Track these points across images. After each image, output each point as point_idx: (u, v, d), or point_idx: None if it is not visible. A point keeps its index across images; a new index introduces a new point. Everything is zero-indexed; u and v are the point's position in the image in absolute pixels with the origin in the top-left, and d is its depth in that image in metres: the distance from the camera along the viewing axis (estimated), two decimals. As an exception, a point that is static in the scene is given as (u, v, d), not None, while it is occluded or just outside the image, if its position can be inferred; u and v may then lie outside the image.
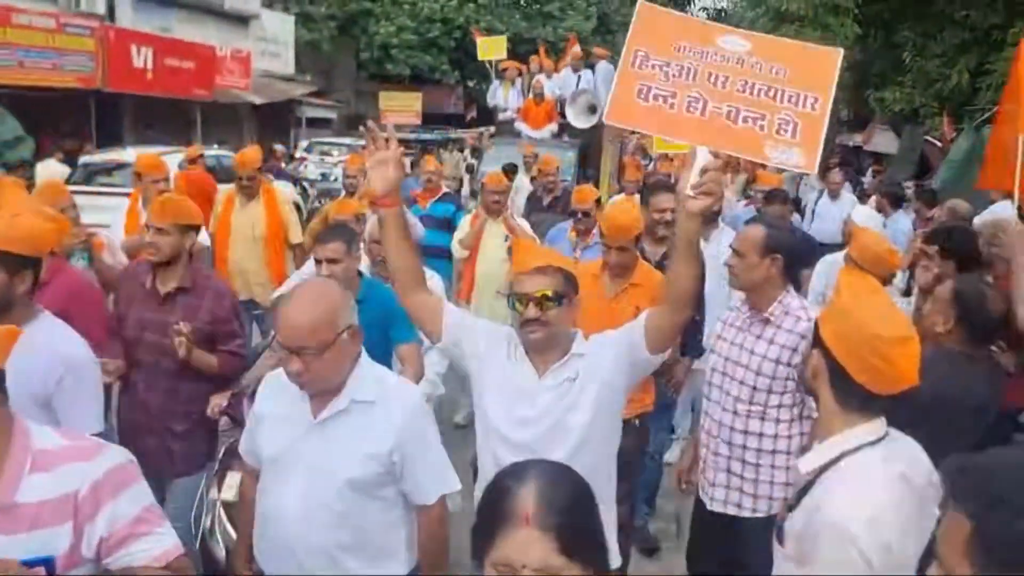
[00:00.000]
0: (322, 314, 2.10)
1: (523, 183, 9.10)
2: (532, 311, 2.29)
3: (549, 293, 2.30)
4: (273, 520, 2.22)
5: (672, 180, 6.52)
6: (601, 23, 33.27)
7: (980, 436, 2.62)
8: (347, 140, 21.43)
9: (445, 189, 7.26)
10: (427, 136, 19.19)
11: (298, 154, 20.99)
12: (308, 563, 2.16)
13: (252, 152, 6.23)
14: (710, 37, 2.52)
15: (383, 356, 3.40)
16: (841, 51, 2.51)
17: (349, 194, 6.68)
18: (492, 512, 1.23)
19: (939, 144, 13.10)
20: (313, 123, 26.79)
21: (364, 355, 2.27)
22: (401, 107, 22.15)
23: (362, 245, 4.04)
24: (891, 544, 1.62)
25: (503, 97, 13.00)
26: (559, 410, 2.35)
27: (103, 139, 16.37)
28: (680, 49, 2.49)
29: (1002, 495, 1.03)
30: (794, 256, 3.07)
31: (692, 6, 19.03)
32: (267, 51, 25.32)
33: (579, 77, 12.13)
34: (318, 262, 3.47)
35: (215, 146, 15.08)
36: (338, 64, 30.49)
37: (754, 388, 2.90)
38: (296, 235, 6.05)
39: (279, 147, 19.55)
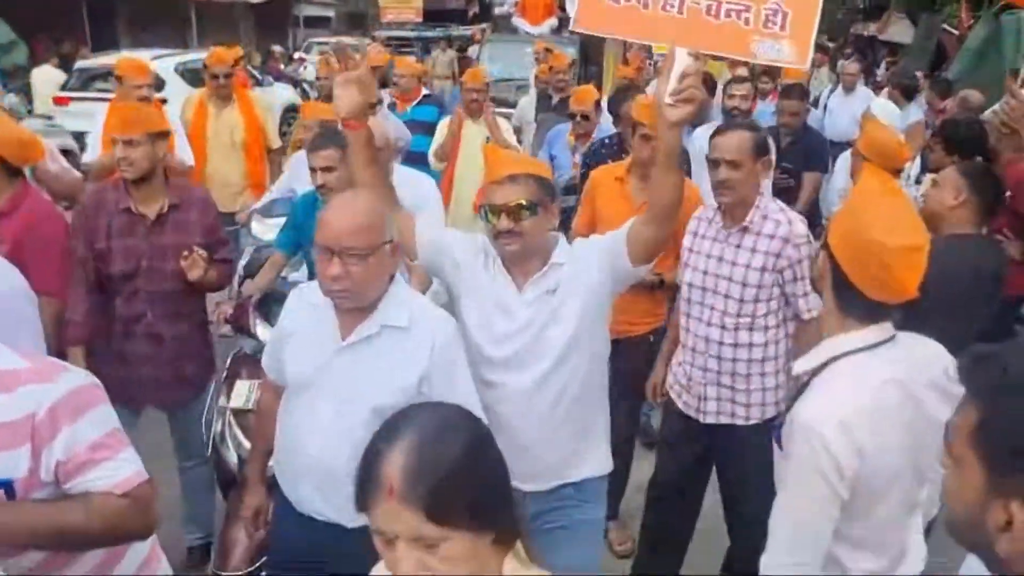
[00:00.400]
0: (370, 217, 2.03)
1: (530, 98, 8.19)
2: (505, 222, 2.19)
3: (523, 202, 2.19)
4: (295, 442, 2.18)
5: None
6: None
7: (990, 317, 2.66)
8: (347, 39, 20.94)
9: (426, 91, 6.73)
10: (428, 34, 18.66)
11: (297, 55, 20.54)
12: (327, 487, 2.09)
13: (225, 50, 5.78)
14: None
15: None
16: None
17: (325, 98, 6.24)
18: (364, 477, 1.15)
19: (956, 32, 12.70)
20: (311, 22, 26.14)
21: (399, 277, 2.18)
22: (401, 4, 21.47)
23: None
24: (864, 448, 1.63)
25: None
26: (539, 324, 2.27)
27: (98, 43, 16.01)
28: None
29: (1010, 382, 1.03)
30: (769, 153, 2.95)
31: None
32: (261, -54, 24.48)
33: None
34: (313, 170, 3.32)
35: (211, 48, 14.75)
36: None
37: (741, 300, 2.81)
38: (275, 140, 5.74)
39: (277, 48, 19.13)
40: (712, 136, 2.91)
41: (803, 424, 1.68)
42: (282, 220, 3.90)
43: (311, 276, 3.49)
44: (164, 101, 10.45)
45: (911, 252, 1.66)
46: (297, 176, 4.52)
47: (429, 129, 5.87)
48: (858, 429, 1.63)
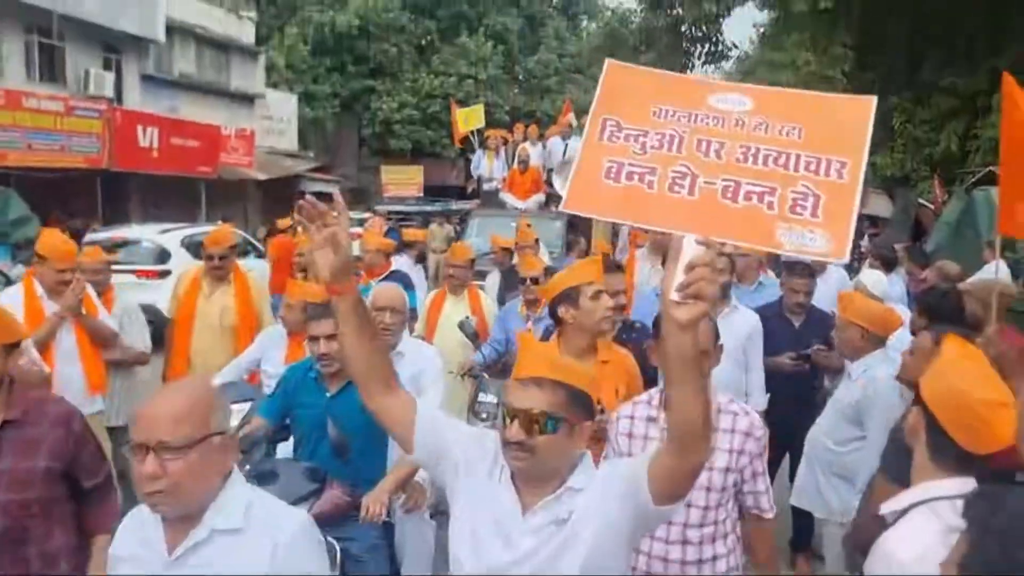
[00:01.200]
0: (191, 406, 1.76)
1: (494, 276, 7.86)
2: (517, 432, 1.84)
3: (543, 412, 1.84)
4: None
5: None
6: (598, 96, 33.97)
7: None
8: (350, 213, 21.72)
9: (393, 266, 6.39)
10: (427, 208, 19.43)
11: (300, 228, 21.23)
12: None
13: (224, 230, 5.51)
14: (699, 96, 2.06)
15: (377, 450, 3.21)
16: (874, 98, 2.02)
17: (302, 272, 6.11)
18: None
19: (932, 207, 13.26)
20: (316, 197, 27.19)
21: (237, 475, 1.89)
22: (402, 180, 22.47)
23: None
24: None
25: (487, 167, 12.52)
26: (541, 559, 1.86)
27: (110, 218, 16.63)
28: (660, 114, 2.04)
29: (1000, 526, 1.10)
30: None
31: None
32: (271, 129, 25.93)
33: (567, 145, 11.63)
34: (314, 339, 3.23)
35: (219, 222, 15.29)
36: (341, 140, 31.13)
37: (705, 508, 2.49)
38: (271, 323, 5.27)
39: (281, 221, 19.82)
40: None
41: (882, 552, 1.74)
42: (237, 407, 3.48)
43: (296, 450, 3.40)
44: (167, 273, 10.87)
45: (1001, 406, 1.80)
46: (268, 356, 4.39)
47: None
48: (933, 565, 1.67)
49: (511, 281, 6.75)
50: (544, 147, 12.28)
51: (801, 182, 1.89)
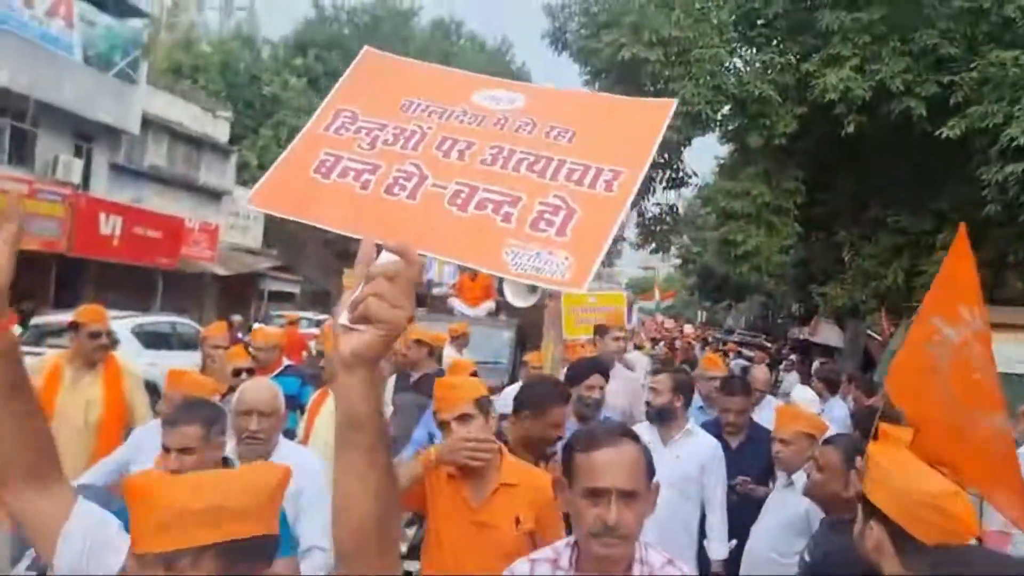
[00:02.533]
0: None
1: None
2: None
3: None
4: None
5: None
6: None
7: None
8: (308, 313, 21.61)
9: (287, 362, 5.96)
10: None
11: (256, 326, 21.05)
12: None
13: (95, 308, 4.69)
14: (463, 91, 1.78)
15: None
16: (673, 102, 1.89)
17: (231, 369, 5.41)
18: None
19: (879, 338, 13.60)
20: (276, 296, 27.08)
21: None
22: (364, 284, 22.60)
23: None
24: None
25: (436, 271, 12.37)
26: None
27: (62, 302, 16.34)
28: (410, 107, 1.77)
29: None
30: None
31: (646, 201, 20.07)
32: (237, 225, 26.02)
33: None
34: (166, 450, 2.68)
35: (175, 315, 15.11)
36: (306, 240, 31.25)
37: None
38: (143, 419, 4.53)
39: (236, 318, 19.62)
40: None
41: None
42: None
43: None
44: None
45: (958, 495, 1.80)
46: (142, 457, 3.62)
47: (290, 402, 4.51)
48: None
49: (400, 382, 6.12)
50: None
51: (555, 192, 1.58)
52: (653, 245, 22.16)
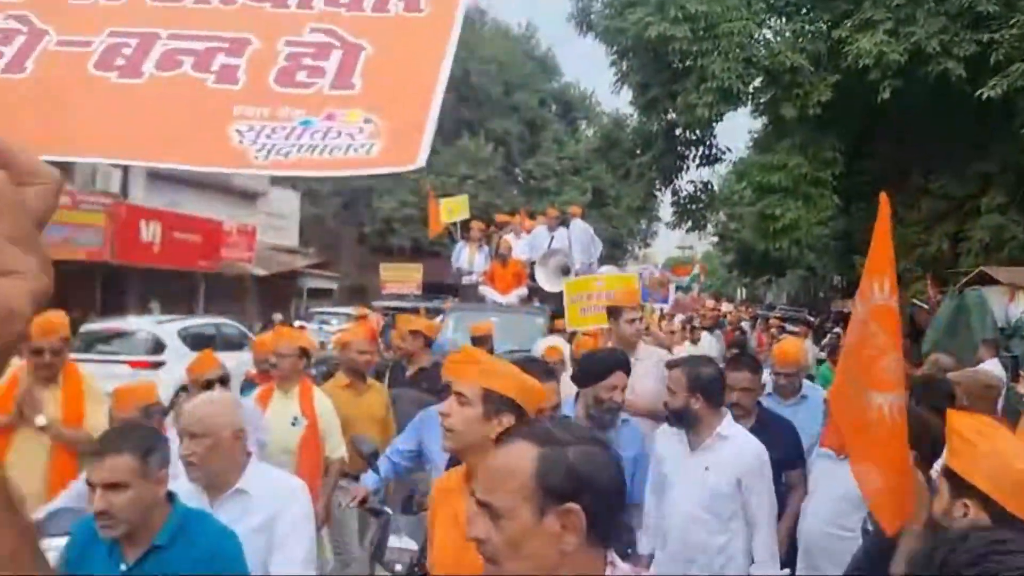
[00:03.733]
0: None
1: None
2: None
3: None
4: None
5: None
6: (596, 196, 34.67)
7: None
8: (347, 309, 21.81)
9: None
10: (424, 304, 19.54)
11: (297, 323, 21.30)
12: None
13: (55, 316, 4.00)
14: None
15: None
16: None
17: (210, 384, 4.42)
18: None
19: (926, 307, 13.34)
20: (315, 294, 27.37)
21: None
22: (401, 278, 22.63)
23: (175, 447, 2.58)
24: None
25: (467, 259, 11.59)
26: None
27: (108, 309, 16.68)
28: None
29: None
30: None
31: (680, 179, 19.86)
32: (273, 225, 26.31)
33: (552, 237, 10.85)
34: (91, 486, 2.23)
35: (219, 317, 15.33)
36: (341, 237, 31.55)
37: None
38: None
39: (277, 316, 19.89)
40: None
41: None
42: (61, 542, 2.45)
43: None
44: (161, 364, 10.82)
45: None
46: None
47: None
48: None
49: (396, 375, 5.86)
50: (529, 238, 11.50)
51: (312, 24, 1.00)
52: (689, 224, 21.99)
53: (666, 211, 23.09)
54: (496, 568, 1.38)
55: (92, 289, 17.55)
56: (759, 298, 44.11)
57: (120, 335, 11.95)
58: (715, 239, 36.36)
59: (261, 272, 23.42)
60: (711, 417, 3.33)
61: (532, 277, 10.36)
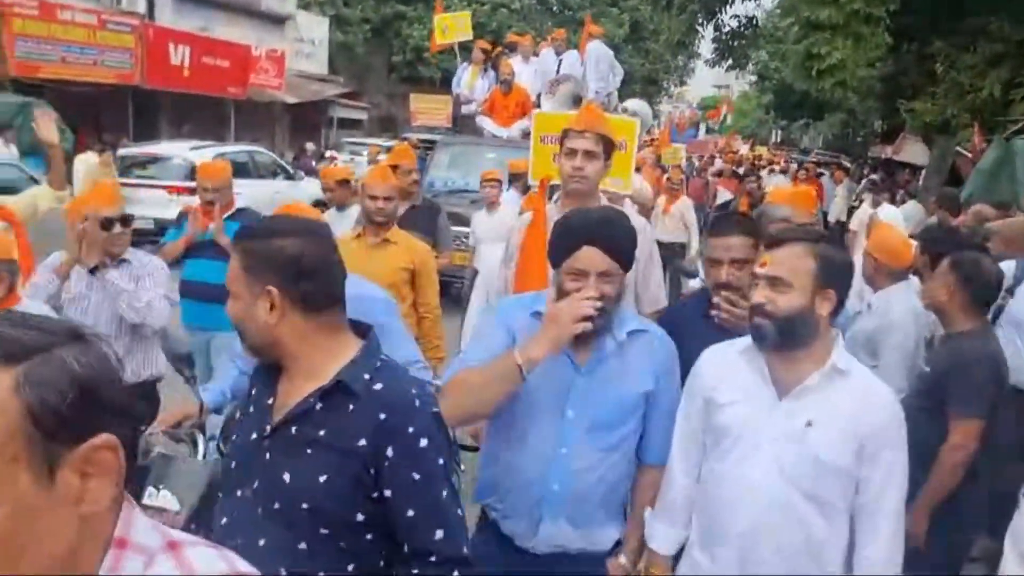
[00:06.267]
0: None
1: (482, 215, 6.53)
2: None
3: None
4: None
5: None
6: (634, 30, 33.31)
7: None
8: (378, 140, 21.67)
9: (239, 204, 4.70)
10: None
11: (328, 153, 21.26)
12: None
13: None
14: None
15: None
16: None
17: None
18: None
19: (970, 155, 13.03)
20: (344, 124, 27.09)
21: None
22: (431, 109, 22.30)
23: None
24: None
25: (467, 84, 10.17)
26: None
27: (140, 134, 16.71)
28: None
29: None
30: None
31: (723, 14, 19.00)
32: (301, 51, 25.69)
33: (560, 61, 9.57)
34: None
35: (250, 144, 15.34)
36: (371, 66, 30.80)
37: None
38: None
39: (310, 145, 19.89)
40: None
41: None
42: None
43: None
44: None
45: None
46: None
47: None
48: None
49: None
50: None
51: None
52: (730, 61, 21.22)
53: (706, 47, 22.23)
54: None
55: (124, 113, 17.51)
56: (794, 142, 43.13)
57: (156, 160, 12.05)
58: (754, 79, 35.16)
59: (291, 99, 23.13)
60: (826, 338, 2.03)
61: (538, 105, 8.77)
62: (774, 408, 2.03)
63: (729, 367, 2.13)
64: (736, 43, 19.76)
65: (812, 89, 14.15)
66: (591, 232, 2.11)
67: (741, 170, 18.38)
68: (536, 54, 10.21)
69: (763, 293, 2.01)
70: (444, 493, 1.62)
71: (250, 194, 10.98)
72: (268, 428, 1.65)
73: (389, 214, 4.02)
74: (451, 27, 11.16)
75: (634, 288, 2.97)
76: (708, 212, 12.19)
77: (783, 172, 20.13)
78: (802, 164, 20.02)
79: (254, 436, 1.67)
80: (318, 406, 1.60)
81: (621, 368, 2.20)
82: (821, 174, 17.62)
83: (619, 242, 2.13)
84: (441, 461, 1.62)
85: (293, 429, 1.61)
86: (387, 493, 1.58)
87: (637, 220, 2.90)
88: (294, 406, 1.62)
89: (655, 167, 10.89)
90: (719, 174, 16.64)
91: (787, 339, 1.99)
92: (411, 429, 1.58)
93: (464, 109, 10.13)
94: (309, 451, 1.58)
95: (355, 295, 2.27)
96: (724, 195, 12.85)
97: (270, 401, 1.69)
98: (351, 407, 1.59)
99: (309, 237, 1.63)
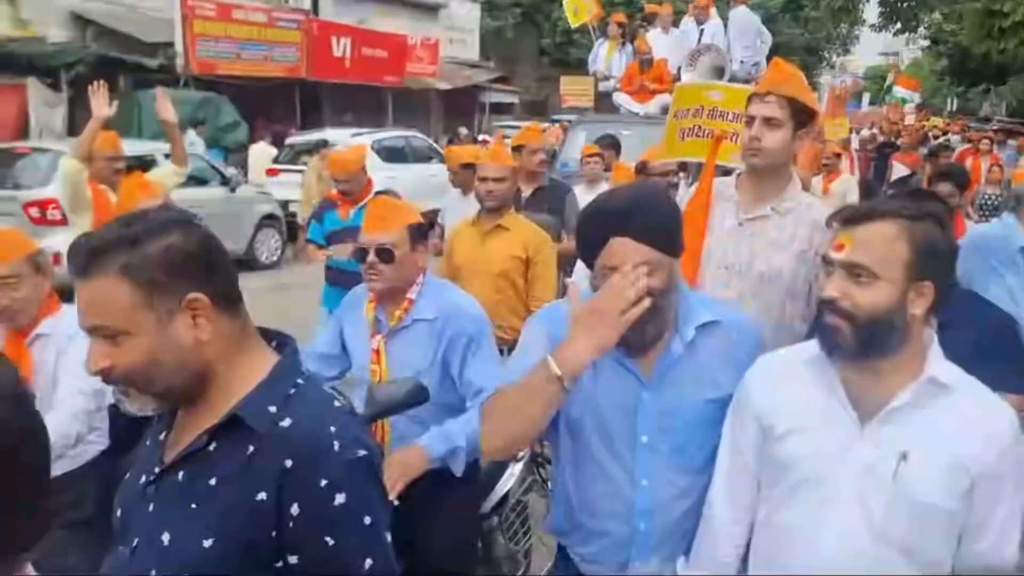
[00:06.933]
0: None
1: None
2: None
3: None
4: None
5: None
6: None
7: None
8: (527, 124, 21.95)
9: (377, 188, 4.82)
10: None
11: (481, 137, 21.74)
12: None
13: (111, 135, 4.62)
14: None
15: None
16: None
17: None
18: None
19: None
20: (496, 108, 27.57)
21: None
22: (578, 91, 22.37)
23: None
24: None
25: (604, 60, 9.68)
26: None
27: (306, 124, 17.70)
28: None
29: None
30: None
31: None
32: (454, 39, 26.35)
33: (702, 31, 8.94)
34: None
35: (406, 130, 15.94)
36: (521, 51, 31.15)
37: None
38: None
39: (463, 130, 20.45)
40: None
41: None
42: None
43: None
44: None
45: None
46: None
47: None
48: None
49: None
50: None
51: None
52: (898, 25, 19.95)
53: (872, 12, 20.96)
54: None
55: (292, 104, 18.58)
56: (972, 110, 40.01)
57: (323, 146, 12.77)
58: (926, 43, 32.83)
59: (444, 86, 23.77)
60: (919, 343, 1.57)
61: (678, 79, 8.15)
62: (855, 437, 1.55)
63: (790, 383, 1.64)
64: (905, 4, 18.58)
65: (993, 51, 13.12)
66: (617, 220, 1.68)
67: (899, 141, 17.17)
68: (676, 24, 9.75)
69: (839, 286, 1.52)
70: (368, 564, 1.24)
71: (406, 177, 11.47)
72: (155, 471, 1.30)
73: (501, 197, 3.73)
74: (580, 8, 10.77)
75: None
76: (884, 189, 11.48)
77: (969, 141, 18.69)
78: (980, 132, 18.56)
79: (142, 480, 1.33)
80: (211, 446, 1.25)
81: (695, 372, 1.77)
82: (1004, 143, 16.26)
83: (654, 225, 1.68)
84: (368, 520, 1.24)
85: (180, 475, 1.27)
86: (292, 561, 1.21)
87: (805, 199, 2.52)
88: (187, 445, 1.28)
89: (815, 142, 10.33)
90: (865, 146, 15.28)
91: (869, 346, 1.50)
92: (323, 481, 1.20)
93: (602, 86, 9.59)
94: (194, 506, 1.23)
95: (449, 303, 2.50)
96: (900, 170, 12.09)
97: (162, 436, 1.35)
98: (250, 449, 1.22)
99: (184, 226, 1.27)
